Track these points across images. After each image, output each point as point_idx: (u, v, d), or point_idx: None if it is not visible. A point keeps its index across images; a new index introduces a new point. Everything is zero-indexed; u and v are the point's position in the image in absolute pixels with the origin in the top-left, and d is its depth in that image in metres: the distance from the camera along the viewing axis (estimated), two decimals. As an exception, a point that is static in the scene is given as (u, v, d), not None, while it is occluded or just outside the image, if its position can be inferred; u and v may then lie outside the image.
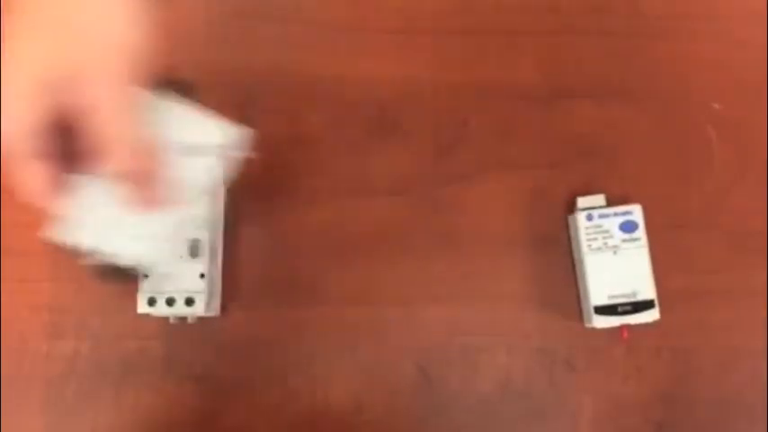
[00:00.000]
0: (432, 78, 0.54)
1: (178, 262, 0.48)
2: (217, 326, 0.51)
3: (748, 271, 0.53)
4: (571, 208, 0.52)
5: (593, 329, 0.50)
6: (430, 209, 0.53)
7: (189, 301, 0.48)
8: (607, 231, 0.50)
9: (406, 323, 0.52)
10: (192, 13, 0.55)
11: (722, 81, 0.55)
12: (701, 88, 0.54)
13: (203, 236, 0.49)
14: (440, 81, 0.54)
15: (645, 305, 0.49)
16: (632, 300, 0.49)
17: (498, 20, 0.55)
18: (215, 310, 0.51)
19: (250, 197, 0.52)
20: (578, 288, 0.52)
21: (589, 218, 0.50)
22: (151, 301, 0.48)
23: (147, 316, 0.49)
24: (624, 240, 0.50)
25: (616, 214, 0.50)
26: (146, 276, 0.48)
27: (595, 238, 0.50)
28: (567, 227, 0.53)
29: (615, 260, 0.50)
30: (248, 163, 0.40)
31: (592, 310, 0.49)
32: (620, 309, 0.49)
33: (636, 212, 0.50)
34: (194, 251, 0.49)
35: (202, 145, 0.39)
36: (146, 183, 0.38)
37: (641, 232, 0.50)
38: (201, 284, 0.48)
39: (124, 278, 0.43)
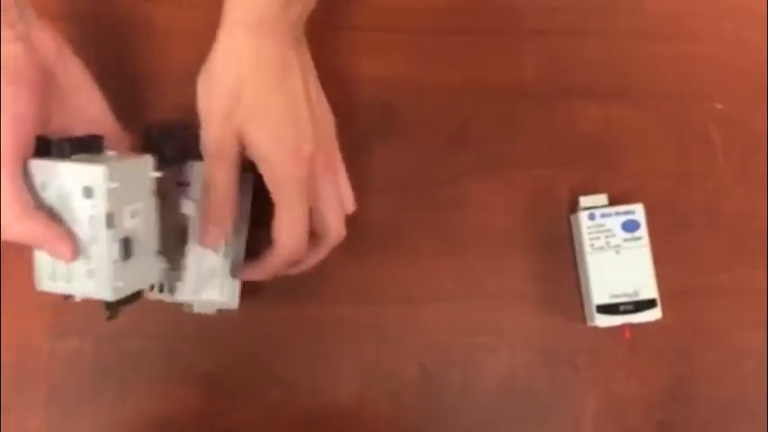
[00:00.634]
0: (433, 78, 0.54)
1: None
2: (219, 325, 0.51)
3: (750, 270, 0.53)
4: (573, 207, 0.52)
5: (596, 328, 0.50)
6: (432, 208, 0.53)
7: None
8: (609, 230, 0.50)
9: (408, 322, 0.52)
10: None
11: (724, 81, 0.55)
12: (702, 88, 0.54)
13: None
14: (441, 80, 0.54)
15: (647, 304, 0.49)
16: (634, 299, 0.49)
17: (500, 19, 0.55)
18: (232, 299, 0.49)
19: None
20: (580, 287, 0.52)
21: (591, 217, 0.50)
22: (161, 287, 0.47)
23: (149, 315, 0.49)
24: (626, 240, 0.50)
25: (618, 213, 0.50)
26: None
27: (597, 238, 0.50)
28: (569, 226, 0.53)
29: (617, 259, 0.50)
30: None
31: (594, 309, 0.49)
32: (622, 308, 0.49)
33: (638, 212, 0.50)
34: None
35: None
36: None
37: (643, 231, 0.50)
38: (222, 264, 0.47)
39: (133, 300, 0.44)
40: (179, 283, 0.47)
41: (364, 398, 0.51)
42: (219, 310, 0.48)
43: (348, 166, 0.47)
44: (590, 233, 0.50)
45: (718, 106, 0.54)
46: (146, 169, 0.42)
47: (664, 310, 0.49)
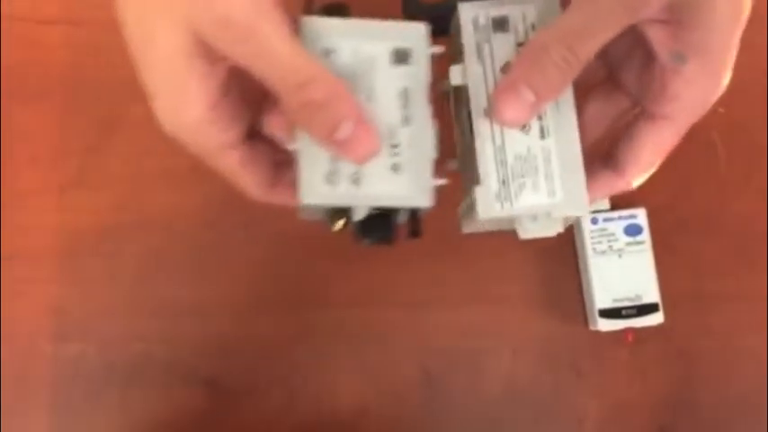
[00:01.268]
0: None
1: None
2: (221, 329, 0.51)
3: (752, 274, 0.53)
4: (575, 211, 0.53)
5: (598, 332, 0.50)
6: (435, 211, 0.53)
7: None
8: (612, 235, 0.50)
9: (410, 326, 0.52)
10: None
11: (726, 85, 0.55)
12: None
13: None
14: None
15: (649, 308, 0.49)
16: (637, 303, 0.49)
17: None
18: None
19: (252, 201, 0.52)
20: (583, 291, 0.52)
21: (594, 221, 0.50)
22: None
23: (152, 319, 0.49)
24: (629, 244, 0.50)
25: (620, 218, 0.50)
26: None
27: (600, 242, 0.50)
28: (572, 230, 0.53)
29: (620, 263, 0.50)
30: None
31: (596, 314, 0.49)
32: (624, 312, 0.49)
33: (640, 216, 0.50)
34: None
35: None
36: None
37: (646, 236, 0.50)
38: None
39: (385, 232, 0.34)
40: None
41: (367, 402, 0.51)
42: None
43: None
44: (592, 237, 0.50)
45: (721, 111, 0.54)
46: (422, 40, 0.32)
47: (666, 314, 0.49)
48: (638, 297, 0.49)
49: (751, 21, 0.56)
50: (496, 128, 0.33)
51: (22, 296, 0.51)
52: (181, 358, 0.51)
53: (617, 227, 0.50)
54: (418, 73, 0.31)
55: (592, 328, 0.51)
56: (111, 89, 0.52)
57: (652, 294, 0.49)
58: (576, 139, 0.33)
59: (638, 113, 0.34)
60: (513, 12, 0.33)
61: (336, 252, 0.52)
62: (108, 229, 0.51)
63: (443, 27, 0.35)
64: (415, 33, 0.31)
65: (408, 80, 0.30)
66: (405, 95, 0.30)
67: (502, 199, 0.32)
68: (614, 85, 0.36)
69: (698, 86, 0.32)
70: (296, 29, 0.30)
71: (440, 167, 0.33)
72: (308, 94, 0.27)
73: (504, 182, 0.32)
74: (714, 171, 0.54)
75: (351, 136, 0.28)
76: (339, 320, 0.52)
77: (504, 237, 0.53)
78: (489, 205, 0.32)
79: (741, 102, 0.54)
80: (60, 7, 0.53)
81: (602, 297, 0.49)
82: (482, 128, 0.33)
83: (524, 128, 0.32)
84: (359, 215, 0.30)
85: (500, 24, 0.33)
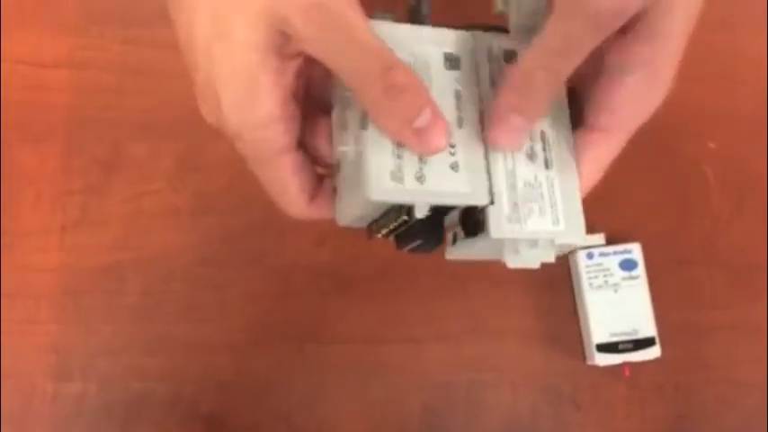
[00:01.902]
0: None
1: None
2: (222, 365, 0.51)
3: (748, 306, 0.53)
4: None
5: (596, 367, 0.50)
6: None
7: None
8: (607, 270, 0.51)
9: (410, 361, 0.52)
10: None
11: (717, 120, 0.55)
12: (695, 128, 0.55)
13: None
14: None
15: (646, 342, 0.50)
16: (633, 337, 0.50)
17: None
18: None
19: (251, 235, 0.53)
20: (580, 325, 0.52)
21: (589, 256, 0.51)
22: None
23: (153, 357, 0.50)
24: (624, 278, 0.51)
25: (616, 253, 0.51)
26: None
27: (596, 277, 0.51)
28: (568, 265, 0.53)
29: (616, 298, 0.50)
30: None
31: (594, 348, 0.50)
32: (621, 346, 0.50)
33: (635, 251, 0.51)
34: None
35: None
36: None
37: (641, 270, 0.51)
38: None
39: (436, 233, 0.34)
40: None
41: (368, 437, 0.51)
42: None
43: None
44: (588, 272, 0.51)
45: (712, 146, 0.55)
46: (469, 48, 0.33)
47: (663, 347, 0.50)
48: (635, 331, 0.50)
49: (743, 61, 0.57)
50: (508, 153, 0.33)
51: (23, 335, 0.51)
52: (182, 395, 0.51)
53: (612, 262, 0.51)
54: (468, 78, 0.31)
55: (589, 362, 0.51)
56: (112, 130, 0.53)
57: (648, 328, 0.50)
58: (574, 171, 0.34)
59: (577, 125, 0.34)
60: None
61: (336, 288, 0.53)
62: (108, 268, 0.52)
63: None
64: (463, 41, 0.32)
65: (460, 84, 0.31)
66: (459, 97, 0.31)
67: (513, 221, 0.32)
68: (571, 98, 0.35)
69: (638, 98, 0.32)
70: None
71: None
72: (393, 77, 0.28)
73: (514, 205, 0.32)
74: (708, 205, 0.54)
75: (428, 125, 0.28)
76: (339, 356, 0.52)
77: (502, 273, 0.53)
78: (501, 226, 0.32)
79: (732, 137, 0.55)
80: (62, 51, 0.53)
81: (598, 332, 0.50)
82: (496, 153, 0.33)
83: (532, 156, 0.33)
84: (421, 212, 0.30)
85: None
